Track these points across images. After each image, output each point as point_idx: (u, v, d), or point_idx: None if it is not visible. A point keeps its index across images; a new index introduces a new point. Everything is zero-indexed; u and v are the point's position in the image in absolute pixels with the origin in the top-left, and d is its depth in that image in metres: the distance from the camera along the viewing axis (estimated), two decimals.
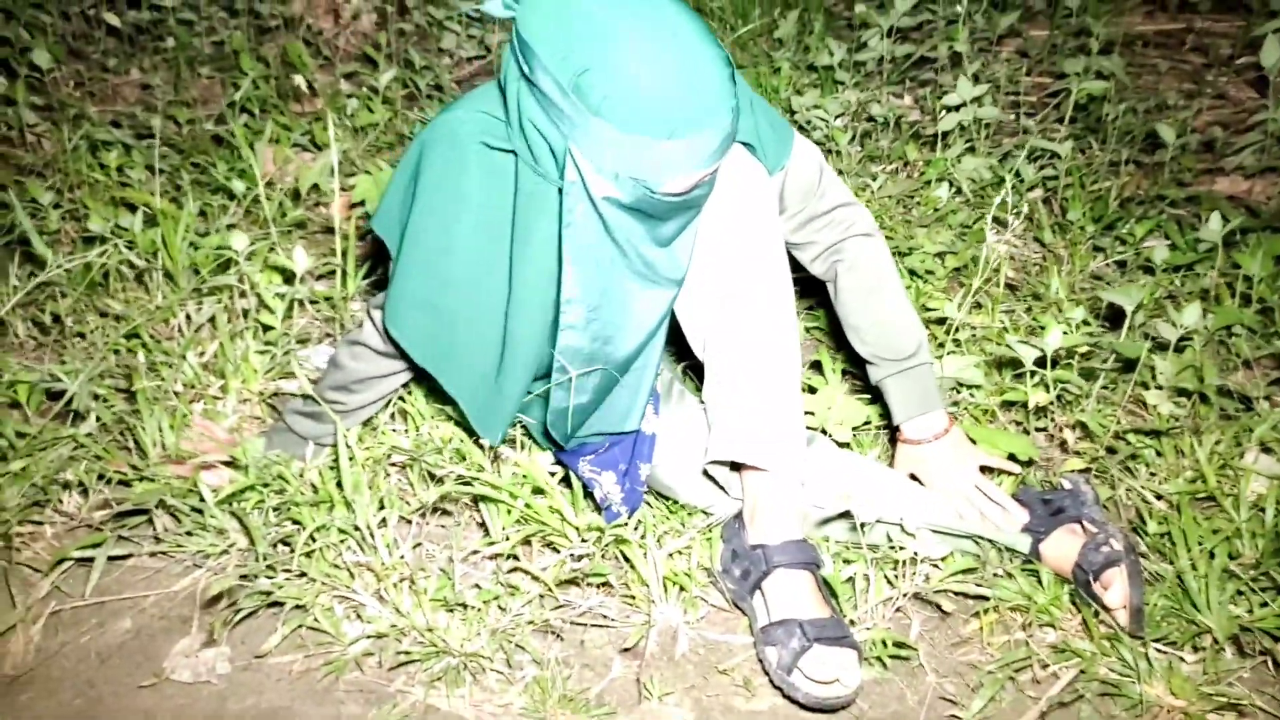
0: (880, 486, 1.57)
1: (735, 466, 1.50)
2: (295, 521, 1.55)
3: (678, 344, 1.76)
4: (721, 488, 1.54)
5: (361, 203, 2.19)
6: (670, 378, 1.67)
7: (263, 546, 1.51)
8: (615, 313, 1.38)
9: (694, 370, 1.88)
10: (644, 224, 1.31)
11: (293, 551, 1.51)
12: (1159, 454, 1.71)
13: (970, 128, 2.41)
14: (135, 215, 2.02)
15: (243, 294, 1.92)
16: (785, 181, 1.55)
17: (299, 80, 2.30)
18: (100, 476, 1.66)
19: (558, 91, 1.21)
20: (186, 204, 2.09)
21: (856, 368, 1.86)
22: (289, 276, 1.96)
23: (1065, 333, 1.69)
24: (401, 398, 1.76)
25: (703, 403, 1.53)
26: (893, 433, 1.71)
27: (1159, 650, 1.43)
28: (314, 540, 1.51)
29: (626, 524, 1.51)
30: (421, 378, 1.74)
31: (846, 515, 1.50)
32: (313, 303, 2.03)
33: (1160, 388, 1.76)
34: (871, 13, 2.79)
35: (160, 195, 2.15)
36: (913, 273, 2.11)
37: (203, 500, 1.58)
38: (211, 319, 1.94)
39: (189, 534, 1.58)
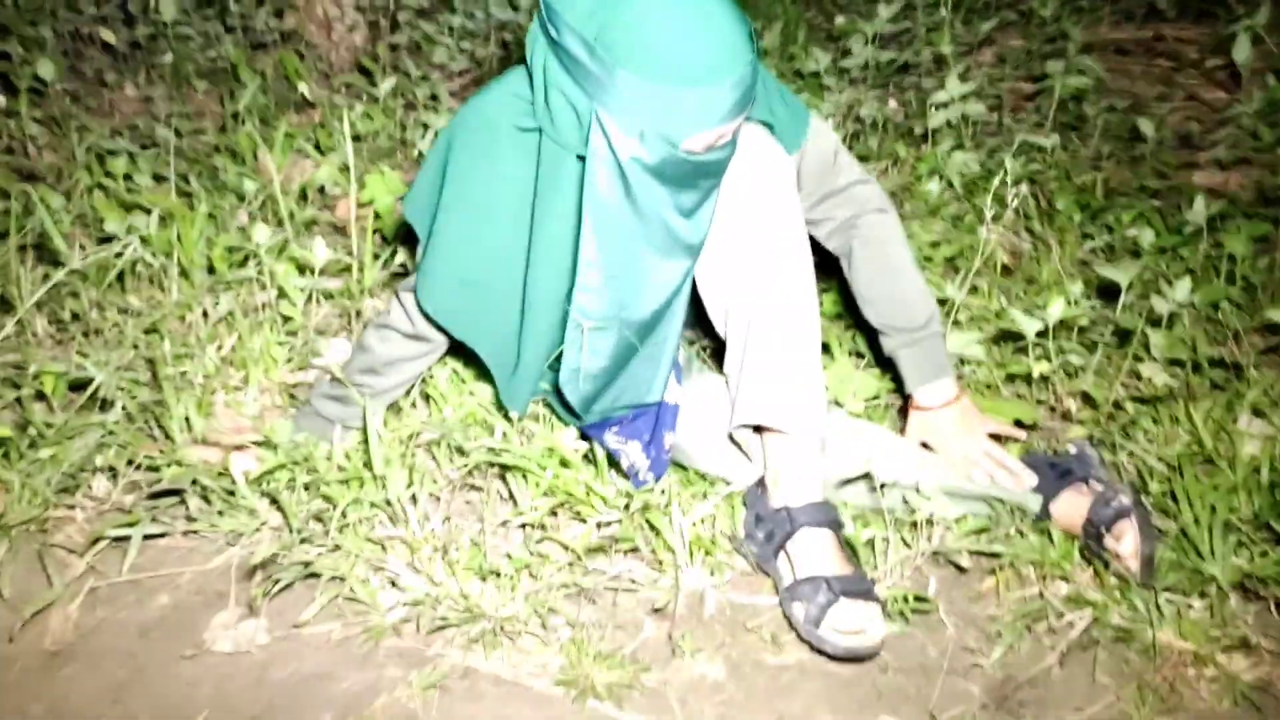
0: (895, 452, 1.62)
1: (758, 431, 1.56)
2: (327, 499, 1.59)
3: (694, 326, 1.83)
4: (745, 454, 1.59)
5: (371, 202, 2.23)
6: (689, 355, 1.73)
7: (296, 522, 1.54)
8: (633, 280, 1.43)
9: (713, 355, 1.94)
10: (667, 188, 1.37)
11: (326, 527, 1.54)
12: (1156, 421, 1.78)
13: (958, 125, 2.50)
14: (149, 216, 2.06)
15: (262, 286, 1.96)
16: (803, 161, 1.61)
17: (300, 88, 2.35)
18: (129, 462, 1.69)
19: (583, 50, 1.28)
20: (199, 205, 2.13)
21: (863, 346, 1.93)
22: (304, 270, 2.00)
23: (1066, 305, 1.76)
24: (424, 381, 1.80)
25: (723, 374, 1.59)
26: (903, 405, 1.78)
27: (1168, 599, 1.49)
28: (346, 515, 1.55)
29: (653, 489, 1.56)
30: (451, 355, 1.79)
31: (866, 477, 1.56)
32: (329, 297, 2.07)
33: (1155, 360, 1.83)
34: (855, 21, 2.89)
35: (172, 198, 2.18)
36: None
37: (234, 481, 1.61)
38: (230, 314, 1.97)
39: (220, 514, 1.61)
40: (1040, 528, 1.59)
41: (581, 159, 1.37)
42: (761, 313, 1.49)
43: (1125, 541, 1.50)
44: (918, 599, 1.50)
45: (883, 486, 1.54)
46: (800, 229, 1.51)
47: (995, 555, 1.56)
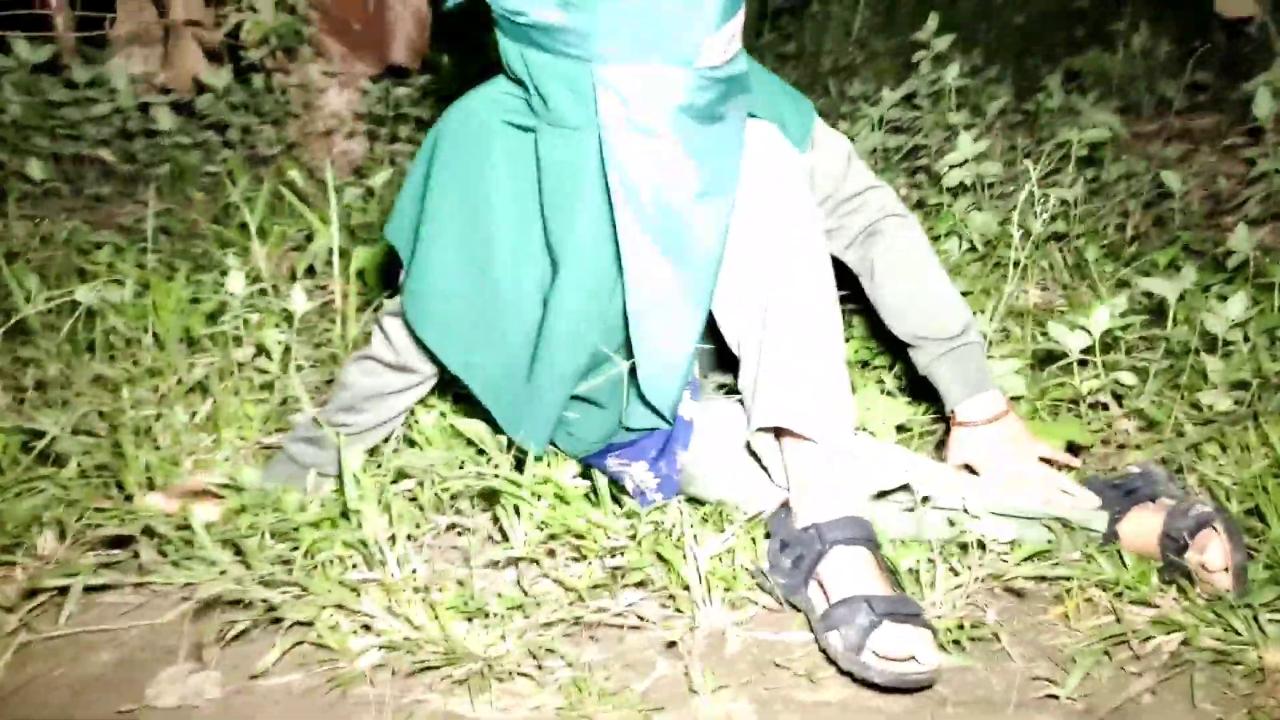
0: (935, 471, 1.44)
1: (778, 438, 1.37)
2: (295, 546, 1.40)
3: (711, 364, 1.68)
4: (765, 470, 1.40)
5: (361, 273, 2.12)
6: (701, 375, 1.57)
7: (259, 565, 1.36)
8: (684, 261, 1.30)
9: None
10: (699, 126, 1.26)
11: (291, 571, 1.36)
12: (1223, 445, 1.59)
13: (974, 185, 2.39)
14: (124, 287, 1.95)
15: (238, 342, 1.82)
16: (815, 164, 1.50)
17: (293, 174, 2.28)
18: (80, 518, 1.52)
19: (557, 8, 1.18)
20: (179, 277, 2.02)
21: (888, 378, 1.77)
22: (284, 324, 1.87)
23: (1111, 315, 1.60)
24: (408, 424, 1.64)
25: (738, 393, 1.42)
26: (941, 436, 1.60)
27: (1270, 617, 1.27)
28: (314, 557, 1.36)
29: (664, 513, 1.37)
30: (438, 395, 1.64)
31: (905, 489, 1.37)
32: (311, 365, 1.93)
33: (1214, 386, 1.66)
34: (862, 107, 2.84)
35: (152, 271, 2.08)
36: None
37: (193, 530, 1.43)
38: (205, 378, 1.83)
39: (176, 565, 1.42)
40: (1109, 550, 1.38)
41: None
42: (777, 313, 1.34)
43: (1211, 552, 1.29)
44: (974, 627, 1.28)
45: (925, 500, 1.35)
46: (815, 225, 1.37)
47: (1062, 579, 1.36)
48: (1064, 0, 4.78)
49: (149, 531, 1.43)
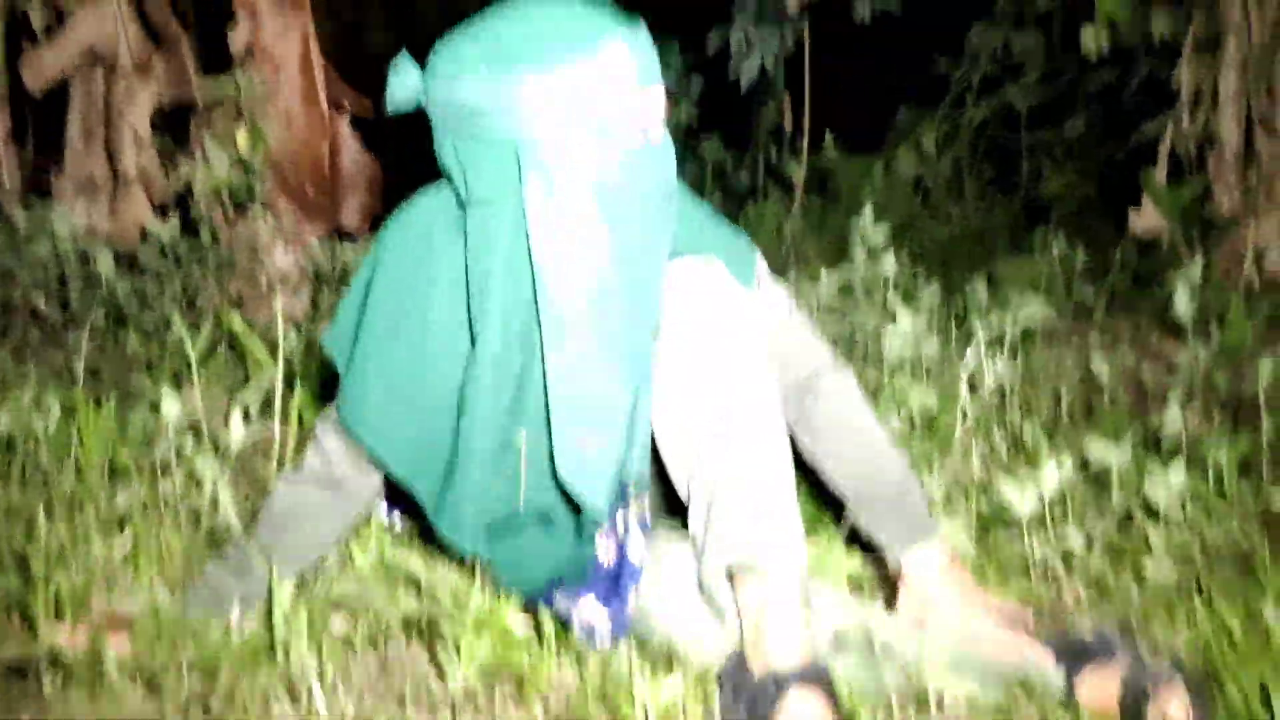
0: (891, 621, 1.40)
1: (731, 579, 1.33)
2: (215, 682, 1.31)
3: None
4: (718, 613, 1.35)
5: (300, 416, 2.07)
6: (652, 513, 1.53)
7: (174, 701, 1.26)
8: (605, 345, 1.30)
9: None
10: (610, 217, 1.28)
11: (208, 711, 1.26)
12: (1171, 616, 1.58)
13: (913, 364, 2.45)
14: (48, 415, 1.88)
15: (167, 471, 1.74)
16: (758, 300, 1.52)
17: (235, 321, 2.26)
18: None
19: (481, 87, 1.24)
20: (107, 407, 1.95)
21: (838, 525, 1.74)
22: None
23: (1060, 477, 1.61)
24: (344, 565, 1.56)
25: (689, 535, 1.39)
26: (889, 588, 1.57)
27: None
28: (237, 690, 1.27)
29: (613, 655, 1.31)
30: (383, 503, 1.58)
31: (863, 638, 1.32)
32: (245, 498, 1.86)
33: (1159, 557, 1.67)
34: (801, 287, 2.92)
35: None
36: None
37: (101, 662, 1.33)
38: (129, 509, 1.74)
39: (80, 698, 1.31)
40: (1068, 708, 1.34)
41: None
42: (725, 449, 1.32)
43: (1174, 710, 1.26)
44: None
45: (884, 649, 1.31)
46: (762, 359, 1.38)
47: None
48: (984, 216, 5.07)
49: (53, 661, 1.33)
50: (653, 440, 1.40)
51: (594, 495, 1.33)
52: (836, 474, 1.52)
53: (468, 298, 1.34)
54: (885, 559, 1.49)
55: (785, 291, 1.57)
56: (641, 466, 1.41)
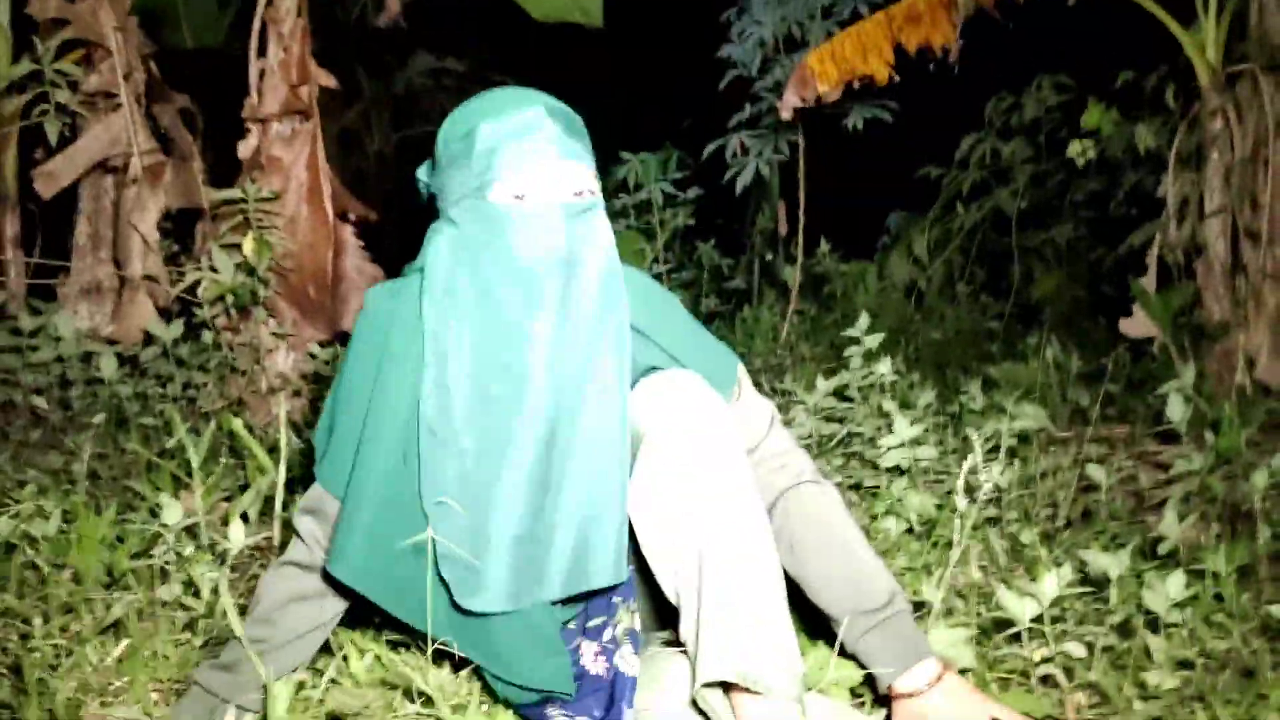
0: None
1: (727, 693, 1.32)
2: None
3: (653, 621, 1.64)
4: None
5: None
6: (642, 628, 1.53)
7: None
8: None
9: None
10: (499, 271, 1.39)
11: None
12: None
13: (910, 468, 2.46)
14: (48, 522, 1.88)
15: (165, 576, 1.74)
16: (740, 417, 1.53)
17: (236, 426, 2.27)
18: None
19: (429, 175, 1.46)
20: (106, 513, 1.96)
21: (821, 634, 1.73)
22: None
23: (1059, 585, 1.61)
24: (341, 671, 1.55)
25: (680, 645, 1.38)
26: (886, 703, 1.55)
27: None
28: None
29: None
30: (373, 627, 1.58)
31: None
32: (241, 610, 1.84)
33: (1159, 665, 1.67)
34: (798, 392, 2.95)
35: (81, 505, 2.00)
36: None
37: None
38: (125, 616, 1.73)
39: None
40: None
41: None
42: (713, 560, 1.33)
43: None
44: None
45: None
46: (745, 468, 1.39)
47: None
48: (976, 319, 5.13)
49: None
50: (640, 553, 1.41)
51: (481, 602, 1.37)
52: (821, 594, 1.50)
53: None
54: (876, 679, 1.47)
55: (767, 404, 1.59)
56: (625, 579, 1.41)
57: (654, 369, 1.45)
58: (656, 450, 1.36)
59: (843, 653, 1.63)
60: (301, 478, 2.57)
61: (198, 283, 3.04)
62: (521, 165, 1.36)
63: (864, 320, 2.93)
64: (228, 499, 2.47)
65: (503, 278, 1.37)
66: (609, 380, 1.39)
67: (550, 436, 1.36)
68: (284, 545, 1.97)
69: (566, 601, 1.43)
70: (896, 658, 1.45)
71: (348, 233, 3.22)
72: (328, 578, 1.47)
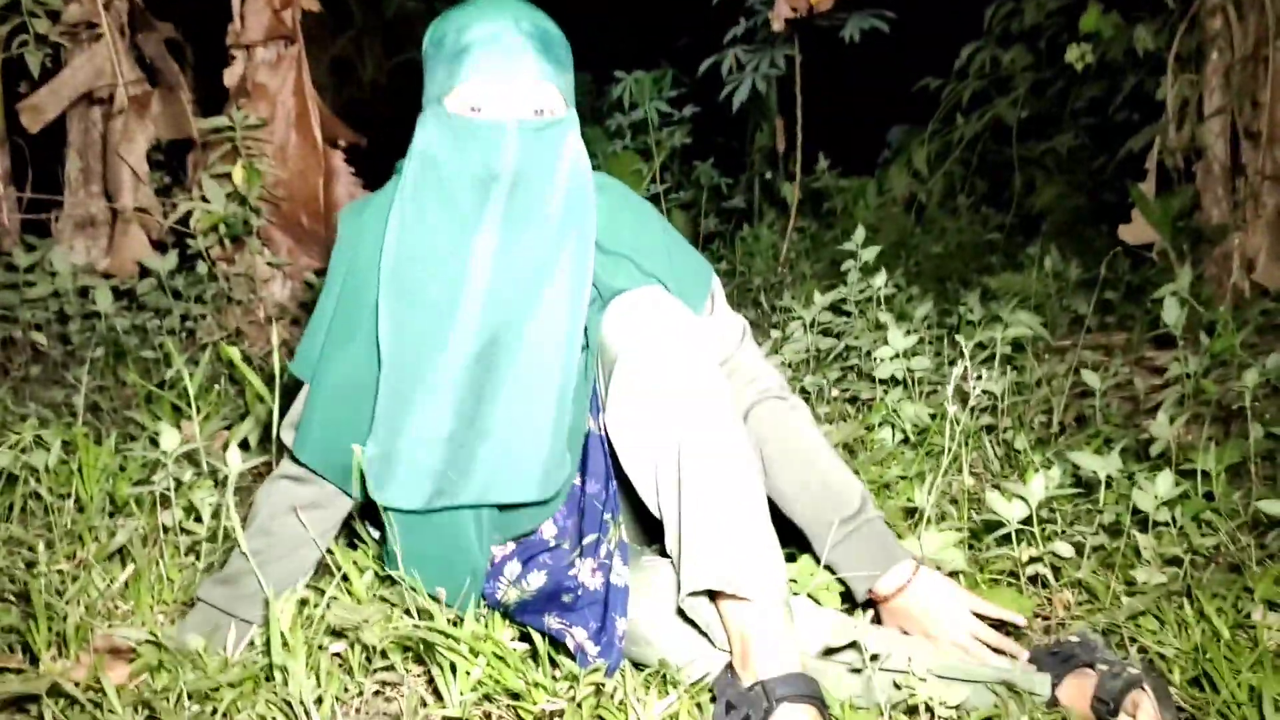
0: (879, 631, 1.42)
1: (713, 600, 1.35)
2: (215, 708, 1.32)
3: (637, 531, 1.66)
4: (704, 634, 1.37)
5: None
6: (630, 537, 1.55)
7: None
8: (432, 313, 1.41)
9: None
10: (446, 173, 1.41)
11: None
12: (1161, 621, 1.60)
13: (905, 379, 2.47)
14: (49, 453, 1.90)
15: (166, 503, 1.76)
16: (712, 322, 1.54)
17: (234, 354, 2.28)
18: None
19: (426, 67, 1.44)
20: (107, 443, 1.98)
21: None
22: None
23: (1046, 486, 1.62)
24: (341, 588, 1.58)
25: (667, 555, 1.41)
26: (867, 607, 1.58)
27: None
28: (236, 715, 1.28)
29: (604, 673, 1.32)
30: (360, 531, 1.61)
31: (852, 648, 1.34)
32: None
33: (1148, 563, 1.69)
34: (795, 309, 2.94)
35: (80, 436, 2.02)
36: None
37: (102, 691, 1.34)
38: (129, 542, 1.76)
39: None
40: (1054, 714, 1.36)
41: None
42: (692, 474, 1.34)
43: (1142, 713, 1.28)
44: None
45: (874, 658, 1.32)
46: (718, 380, 1.40)
47: None
48: (976, 231, 5.10)
49: (55, 692, 1.34)
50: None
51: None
52: (793, 506, 1.51)
53: None
54: (853, 587, 1.49)
55: (739, 319, 1.59)
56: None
57: (625, 290, 1.46)
58: (628, 368, 1.37)
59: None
60: None
61: (190, 214, 3.03)
62: (480, 77, 1.37)
63: (860, 233, 2.91)
64: (227, 428, 2.49)
65: (454, 188, 1.39)
66: (559, 296, 1.40)
67: (489, 347, 1.38)
68: None
69: (505, 533, 1.49)
70: (872, 562, 1.47)
71: (338, 159, 3.20)
72: (320, 488, 1.50)
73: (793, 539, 1.62)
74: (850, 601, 1.51)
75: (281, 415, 1.84)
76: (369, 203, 1.51)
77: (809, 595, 1.56)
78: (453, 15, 1.41)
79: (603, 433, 1.47)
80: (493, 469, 1.39)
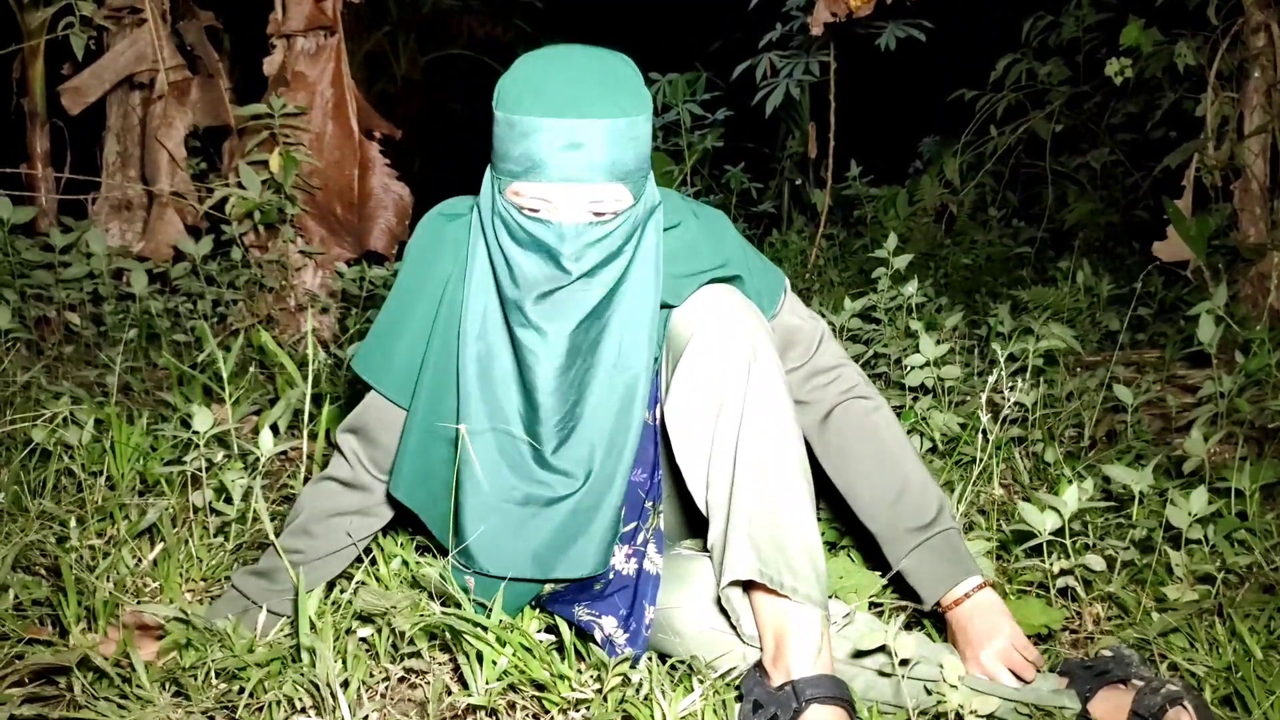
0: (910, 639, 1.41)
1: (747, 592, 1.34)
2: (241, 688, 1.33)
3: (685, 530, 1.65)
4: (734, 628, 1.36)
5: (328, 433, 2.10)
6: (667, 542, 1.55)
7: (201, 704, 1.28)
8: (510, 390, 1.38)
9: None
10: (509, 265, 1.35)
11: (233, 716, 1.28)
12: (1192, 640, 1.58)
13: (935, 387, 2.46)
14: (82, 430, 1.91)
15: (197, 483, 1.77)
16: (789, 333, 1.53)
17: (264, 338, 2.29)
18: (9, 649, 1.43)
19: (494, 123, 1.32)
20: (139, 422, 1.99)
21: (857, 551, 1.75)
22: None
23: (1080, 499, 1.61)
24: (369, 573, 1.58)
25: (707, 550, 1.40)
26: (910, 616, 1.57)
27: None
28: (262, 695, 1.29)
29: (632, 665, 1.32)
30: (400, 530, 1.61)
31: (882, 651, 1.33)
32: (271, 517, 1.88)
33: (1179, 580, 1.67)
34: (824, 315, 2.94)
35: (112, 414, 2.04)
36: None
37: (131, 667, 1.35)
38: (159, 521, 1.77)
39: (109, 700, 1.33)
40: None
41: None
42: (746, 467, 1.33)
43: None
44: None
45: (904, 663, 1.31)
46: (779, 376, 1.38)
47: None
48: (1007, 244, 5.07)
49: (85, 665, 1.35)
50: (673, 459, 1.42)
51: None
52: (868, 504, 1.50)
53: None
54: (920, 595, 1.48)
55: (819, 321, 1.58)
56: (656, 482, 1.43)
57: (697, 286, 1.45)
58: (693, 354, 1.36)
59: (869, 560, 1.65)
60: (330, 393, 2.60)
61: (226, 200, 3.05)
62: (541, 185, 1.29)
63: (892, 240, 2.90)
64: (257, 412, 2.50)
65: (519, 274, 1.35)
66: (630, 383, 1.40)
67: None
68: (312, 456, 2.00)
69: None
70: (948, 575, 1.46)
71: (374, 150, 3.21)
72: (368, 495, 1.50)
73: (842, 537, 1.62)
74: (883, 604, 1.50)
75: (315, 404, 1.85)
76: (451, 220, 1.45)
77: (835, 595, 1.56)
78: (534, 88, 1.28)
79: (655, 422, 1.46)
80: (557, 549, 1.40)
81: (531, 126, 1.26)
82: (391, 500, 1.49)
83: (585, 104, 1.26)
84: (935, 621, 1.50)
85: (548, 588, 1.43)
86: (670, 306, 1.41)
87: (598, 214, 1.31)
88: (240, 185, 2.98)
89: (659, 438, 1.47)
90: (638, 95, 1.30)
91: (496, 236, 1.35)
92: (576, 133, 1.25)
